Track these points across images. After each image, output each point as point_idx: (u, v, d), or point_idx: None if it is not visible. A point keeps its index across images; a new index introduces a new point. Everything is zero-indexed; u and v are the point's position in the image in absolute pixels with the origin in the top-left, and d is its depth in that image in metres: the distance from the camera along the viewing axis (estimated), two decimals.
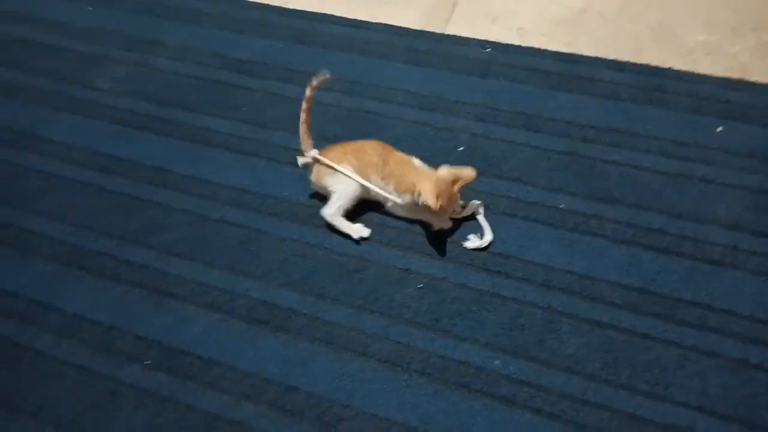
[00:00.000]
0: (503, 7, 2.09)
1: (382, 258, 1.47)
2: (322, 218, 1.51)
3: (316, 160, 1.52)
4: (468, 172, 1.43)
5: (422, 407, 1.25)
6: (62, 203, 1.63)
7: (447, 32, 2.01)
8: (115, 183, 1.67)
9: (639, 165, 1.60)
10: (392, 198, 1.48)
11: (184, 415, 1.26)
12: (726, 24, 1.94)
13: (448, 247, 1.48)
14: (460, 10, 2.08)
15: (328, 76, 1.53)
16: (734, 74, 1.79)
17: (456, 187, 1.42)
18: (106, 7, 2.20)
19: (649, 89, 1.78)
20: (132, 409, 1.28)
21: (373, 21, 2.06)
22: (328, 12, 2.11)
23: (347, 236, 1.50)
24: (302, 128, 1.54)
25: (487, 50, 1.93)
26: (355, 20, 2.07)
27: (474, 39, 1.97)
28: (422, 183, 1.39)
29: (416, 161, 1.49)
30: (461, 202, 1.51)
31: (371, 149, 1.51)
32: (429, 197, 1.35)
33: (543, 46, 1.93)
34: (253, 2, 2.19)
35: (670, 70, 1.82)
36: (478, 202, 1.51)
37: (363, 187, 1.49)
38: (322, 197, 1.54)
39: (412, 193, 1.41)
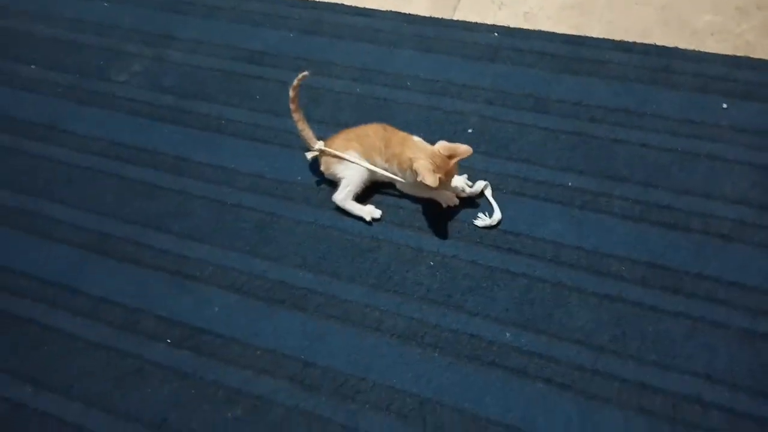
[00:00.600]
0: None
1: (395, 238, 1.51)
2: (333, 201, 1.56)
3: (322, 152, 1.57)
4: (464, 147, 1.44)
5: (436, 380, 1.29)
6: (85, 192, 1.70)
7: (455, 18, 2.04)
8: (135, 172, 1.73)
9: (646, 144, 1.62)
10: (397, 178, 1.52)
11: (207, 390, 1.32)
12: (731, 3, 1.95)
13: (459, 226, 1.51)
14: None
15: (306, 73, 1.58)
16: (740, 53, 1.80)
17: (452, 162, 1.44)
18: (121, 4, 2.26)
19: (656, 70, 1.80)
20: (157, 385, 1.33)
21: (382, 9, 2.09)
22: (338, 2, 2.15)
23: (360, 218, 1.54)
24: (299, 127, 1.60)
25: (495, 35, 1.96)
26: (364, 9, 2.11)
27: (482, 24, 2.00)
28: (418, 159, 1.42)
29: (415, 138, 1.52)
30: (468, 183, 1.55)
31: (373, 132, 1.55)
32: (425, 173, 1.38)
33: (550, 30, 1.95)
34: None
35: (676, 50, 1.83)
36: (485, 182, 1.54)
37: (370, 171, 1.54)
38: (334, 182, 1.59)
39: (412, 170, 1.43)
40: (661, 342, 1.29)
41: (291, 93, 1.58)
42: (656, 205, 1.50)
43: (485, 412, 1.24)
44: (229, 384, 1.32)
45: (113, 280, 1.51)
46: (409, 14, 2.07)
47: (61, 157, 1.79)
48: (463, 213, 1.53)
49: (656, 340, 1.29)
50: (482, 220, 1.50)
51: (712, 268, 1.38)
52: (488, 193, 1.54)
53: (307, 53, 1.98)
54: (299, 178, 1.65)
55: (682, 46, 1.84)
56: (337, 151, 1.55)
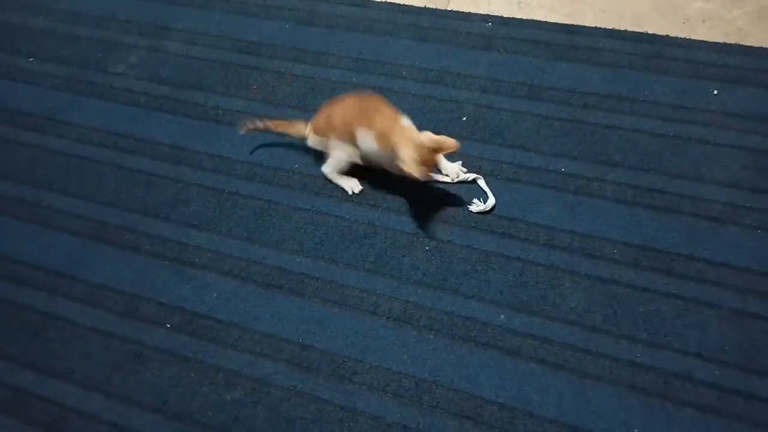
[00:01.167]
0: None
1: (391, 224, 1.53)
2: (330, 189, 1.59)
3: (317, 135, 1.60)
4: (450, 142, 1.42)
5: (432, 361, 1.31)
6: (84, 182, 1.71)
7: (449, 8, 2.05)
8: (134, 161, 1.74)
9: (639, 129, 1.64)
10: (373, 150, 1.50)
11: (207, 373, 1.34)
12: None
13: (454, 211, 1.53)
14: None
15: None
16: (731, 40, 1.82)
17: (437, 156, 1.45)
18: None
19: (648, 57, 1.81)
20: (158, 369, 1.35)
21: (377, 0, 2.11)
22: None
23: (342, 189, 1.60)
24: (285, 132, 1.65)
25: (489, 24, 1.97)
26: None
27: (476, 14, 2.01)
28: (404, 148, 1.40)
29: (404, 122, 1.48)
30: (463, 169, 1.57)
31: (352, 106, 1.54)
32: (411, 165, 1.37)
33: (544, 18, 1.97)
34: None
35: (668, 37, 1.85)
36: (479, 176, 1.57)
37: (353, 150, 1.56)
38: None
39: (395, 153, 1.42)
40: (653, 322, 1.31)
41: (261, 125, 1.63)
42: (648, 189, 1.52)
43: (480, 391, 1.26)
44: (228, 367, 1.34)
45: (113, 268, 1.53)
46: (404, 4, 2.08)
47: (59, 147, 1.81)
48: (458, 199, 1.55)
49: (647, 319, 1.31)
50: (477, 206, 1.52)
51: (703, 249, 1.41)
52: (482, 183, 1.56)
53: (302, 44, 2.00)
54: (296, 165, 1.67)
55: (674, 33, 1.86)
56: (320, 135, 1.59)
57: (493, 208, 1.52)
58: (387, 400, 1.27)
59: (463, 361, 1.30)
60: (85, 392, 1.34)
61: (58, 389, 1.35)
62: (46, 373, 1.38)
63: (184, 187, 1.67)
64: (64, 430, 1.29)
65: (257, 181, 1.65)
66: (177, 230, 1.58)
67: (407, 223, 1.53)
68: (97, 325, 1.44)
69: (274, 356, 1.35)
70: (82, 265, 1.54)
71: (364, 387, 1.29)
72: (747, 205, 1.46)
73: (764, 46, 1.79)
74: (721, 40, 1.82)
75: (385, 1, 2.10)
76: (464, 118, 1.72)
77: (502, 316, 1.35)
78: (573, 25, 1.94)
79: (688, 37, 1.84)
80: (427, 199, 1.56)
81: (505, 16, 1.99)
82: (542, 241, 1.46)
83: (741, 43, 1.80)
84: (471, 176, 1.57)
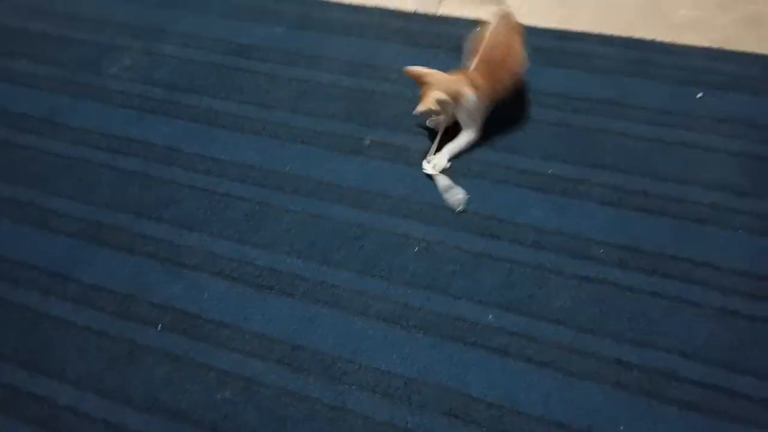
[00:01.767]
0: None
1: (381, 226, 1.55)
2: (322, 190, 1.60)
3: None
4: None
5: (421, 360, 1.33)
6: (79, 183, 1.73)
7: (439, 13, 2.08)
8: (127, 163, 1.76)
9: (626, 133, 1.67)
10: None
11: (199, 372, 1.35)
12: None
13: (444, 213, 1.55)
14: None
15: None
16: (718, 45, 1.85)
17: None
18: None
19: (638, 62, 1.84)
20: (150, 367, 1.37)
21: (369, 5, 2.13)
22: None
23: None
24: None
25: (479, 29, 1.99)
26: (351, 5, 2.15)
27: (466, 19, 2.04)
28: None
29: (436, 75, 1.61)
30: (447, 165, 1.62)
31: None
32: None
33: (535, 24, 1.99)
34: None
35: (656, 43, 1.88)
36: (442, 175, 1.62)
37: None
38: (321, 173, 1.62)
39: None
40: (638, 321, 1.33)
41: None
42: (635, 191, 1.54)
43: (468, 390, 1.27)
44: (219, 366, 1.36)
45: (106, 268, 1.54)
46: (395, 10, 2.11)
47: (55, 149, 1.82)
48: (448, 202, 1.57)
49: (633, 318, 1.33)
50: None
51: (688, 250, 1.43)
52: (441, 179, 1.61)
53: (295, 48, 2.02)
54: (288, 168, 1.69)
55: (663, 39, 1.89)
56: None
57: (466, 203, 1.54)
58: (377, 400, 1.28)
59: (451, 361, 1.32)
60: (78, 390, 1.35)
61: (51, 388, 1.36)
62: (39, 371, 1.39)
63: (177, 189, 1.68)
64: (56, 428, 1.30)
65: (249, 183, 1.67)
66: (170, 231, 1.59)
67: (398, 225, 1.55)
68: (90, 324, 1.45)
69: (265, 356, 1.36)
70: (76, 264, 1.55)
71: (354, 386, 1.30)
72: (730, 207, 1.49)
73: (750, 51, 1.82)
74: (708, 46, 1.85)
75: (377, 7, 2.13)
76: None
77: (491, 316, 1.37)
78: (564, 30, 1.97)
79: (676, 43, 1.87)
80: (418, 202, 1.58)
81: None
82: (530, 242, 1.48)
83: (728, 49, 1.83)
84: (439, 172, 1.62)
